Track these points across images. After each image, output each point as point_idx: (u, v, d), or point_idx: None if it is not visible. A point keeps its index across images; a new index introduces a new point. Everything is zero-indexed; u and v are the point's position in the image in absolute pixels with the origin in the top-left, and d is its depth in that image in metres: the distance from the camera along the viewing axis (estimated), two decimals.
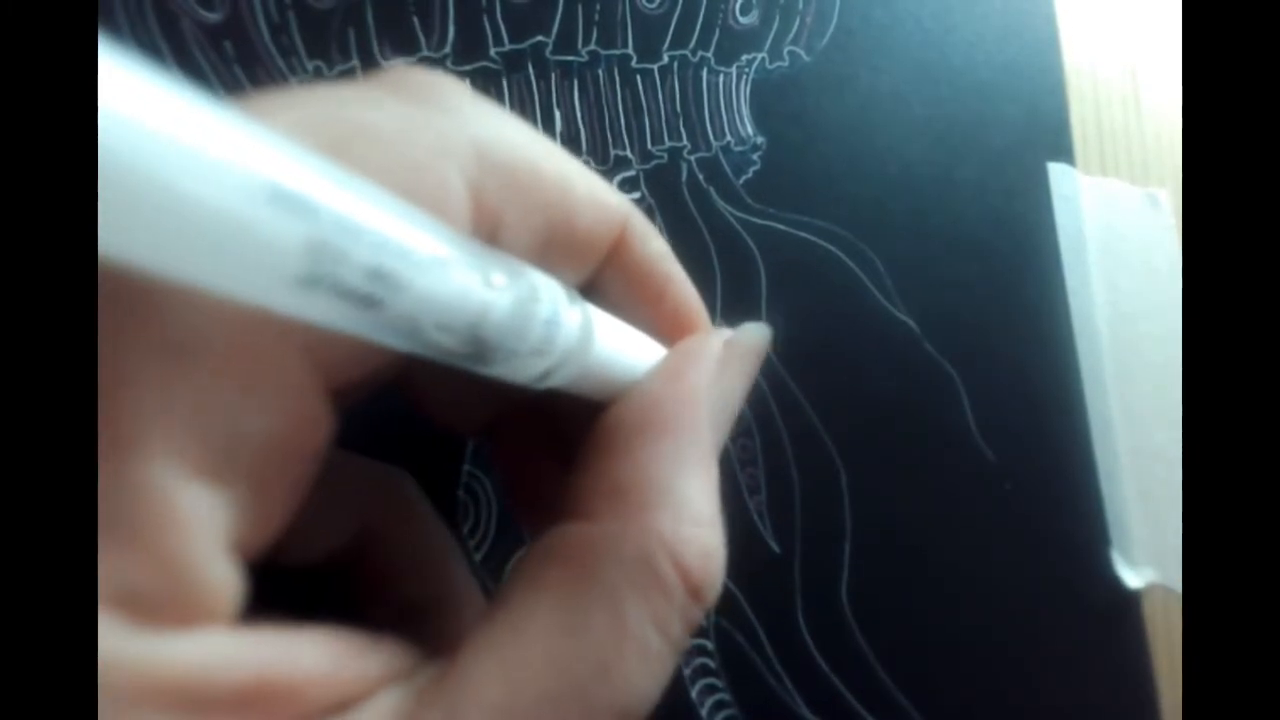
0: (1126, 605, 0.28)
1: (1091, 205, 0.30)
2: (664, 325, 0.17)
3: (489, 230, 0.13)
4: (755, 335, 0.17)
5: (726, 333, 0.17)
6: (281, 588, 0.15)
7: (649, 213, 0.26)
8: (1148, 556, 0.29)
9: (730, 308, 0.26)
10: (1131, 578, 0.29)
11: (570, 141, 0.26)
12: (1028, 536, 0.28)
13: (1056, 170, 0.30)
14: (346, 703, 0.11)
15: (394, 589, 0.17)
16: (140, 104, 0.07)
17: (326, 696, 0.11)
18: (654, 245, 0.16)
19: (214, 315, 0.10)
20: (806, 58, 0.28)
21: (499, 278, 0.11)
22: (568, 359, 0.13)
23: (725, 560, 0.14)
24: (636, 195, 0.26)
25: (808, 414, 0.26)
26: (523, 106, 0.25)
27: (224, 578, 0.11)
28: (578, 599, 0.12)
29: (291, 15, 0.24)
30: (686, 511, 0.13)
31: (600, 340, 0.14)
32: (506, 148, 0.13)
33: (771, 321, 0.27)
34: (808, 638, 0.26)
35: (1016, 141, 0.30)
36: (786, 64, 0.28)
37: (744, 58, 0.27)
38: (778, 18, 0.28)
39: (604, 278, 0.16)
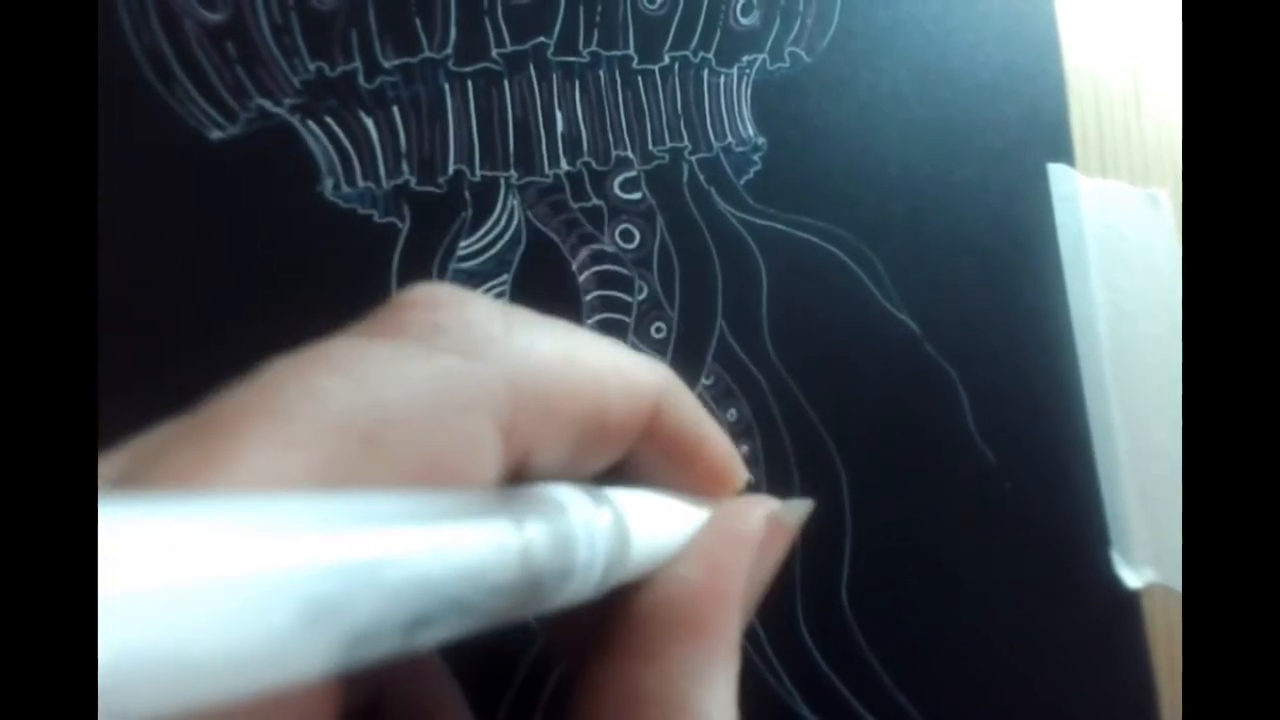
0: (1126, 605, 0.28)
1: (1091, 205, 0.30)
2: (699, 483, 0.16)
3: (521, 457, 0.13)
4: (798, 511, 0.17)
5: (769, 505, 0.17)
6: None
7: (649, 214, 0.26)
8: (1148, 556, 0.29)
9: (731, 309, 0.26)
10: (1131, 578, 0.29)
11: (572, 142, 0.26)
12: (1028, 536, 0.28)
13: (1056, 171, 0.30)
14: None
15: None
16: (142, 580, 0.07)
17: None
18: (687, 411, 0.16)
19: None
20: (807, 59, 0.28)
21: (533, 526, 0.11)
22: (612, 564, 0.13)
23: None
24: (638, 195, 0.26)
25: (808, 414, 0.26)
26: (524, 107, 0.25)
27: None
28: None
29: (294, 16, 0.24)
30: None
31: (637, 530, 0.14)
32: (538, 377, 0.13)
33: (772, 321, 0.27)
34: (808, 638, 0.26)
35: (1016, 142, 0.30)
36: (787, 65, 0.28)
37: (745, 59, 0.27)
38: (779, 19, 0.28)
39: (637, 450, 0.16)
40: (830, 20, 0.28)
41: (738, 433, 0.26)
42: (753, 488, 0.26)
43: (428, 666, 0.17)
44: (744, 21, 0.27)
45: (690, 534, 0.16)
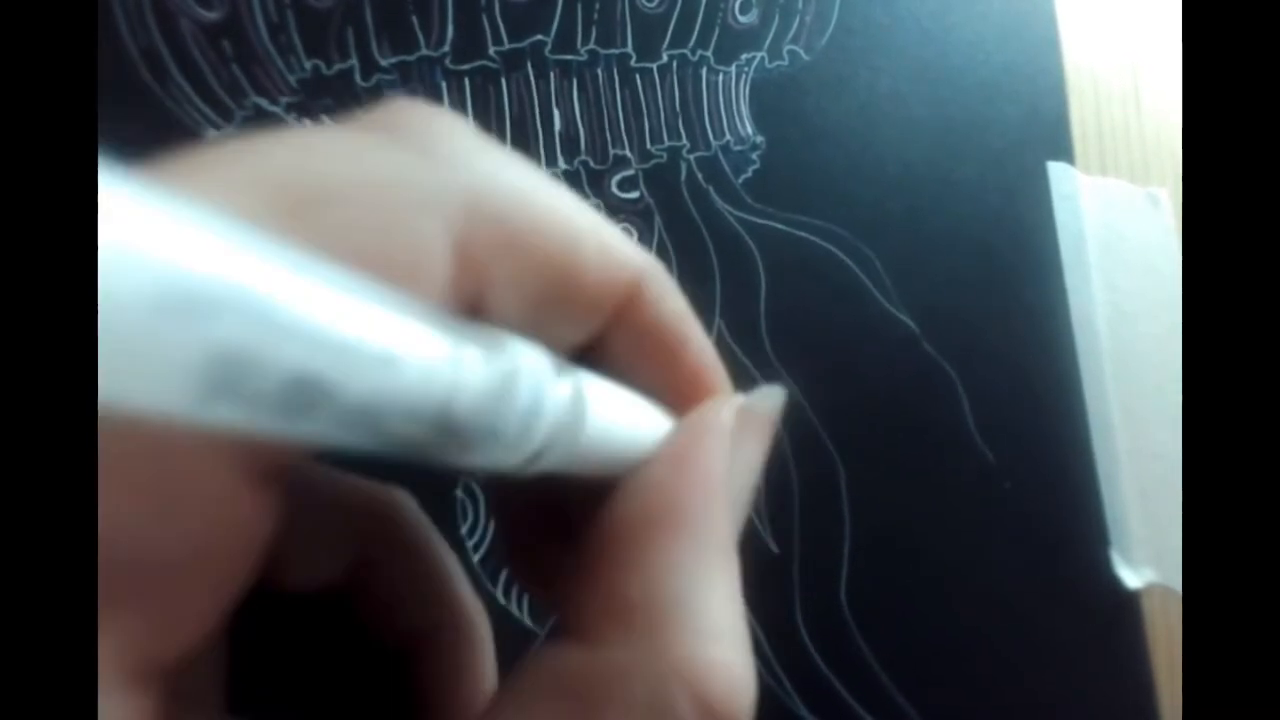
0: (1126, 605, 0.28)
1: (1091, 205, 0.30)
2: (677, 392, 0.15)
3: (474, 287, 0.12)
4: (771, 399, 0.16)
5: (739, 399, 0.15)
6: (282, 615, 0.14)
7: (647, 213, 0.26)
8: (1148, 556, 0.29)
9: (729, 308, 0.26)
10: (1131, 578, 0.29)
11: (569, 141, 0.26)
12: (1028, 536, 0.28)
13: (1056, 170, 0.30)
14: None
15: (397, 615, 0.16)
16: None
17: None
18: (670, 304, 0.15)
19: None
20: (806, 57, 0.28)
21: (471, 353, 0.10)
22: (555, 440, 0.11)
23: (755, 689, 0.12)
24: (635, 194, 0.26)
25: (808, 414, 0.26)
26: (522, 106, 0.25)
27: (123, 712, 0.09)
28: None
29: (290, 14, 0.24)
30: (707, 631, 0.11)
31: (596, 415, 0.12)
32: (504, 198, 0.12)
33: (770, 320, 0.27)
34: (807, 638, 0.25)
35: (1016, 141, 0.30)
36: (786, 63, 0.28)
37: (743, 57, 0.27)
38: (777, 17, 0.28)
39: (612, 336, 0.14)
40: (829, 18, 0.28)
41: None
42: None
43: (420, 535, 0.16)
44: (742, 20, 0.27)
45: (656, 437, 0.14)
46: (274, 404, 0.08)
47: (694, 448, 0.14)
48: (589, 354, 0.14)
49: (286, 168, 0.10)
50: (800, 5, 0.28)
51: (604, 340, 0.14)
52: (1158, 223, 0.31)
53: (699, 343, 0.15)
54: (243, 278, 0.08)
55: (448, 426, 0.10)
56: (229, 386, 0.08)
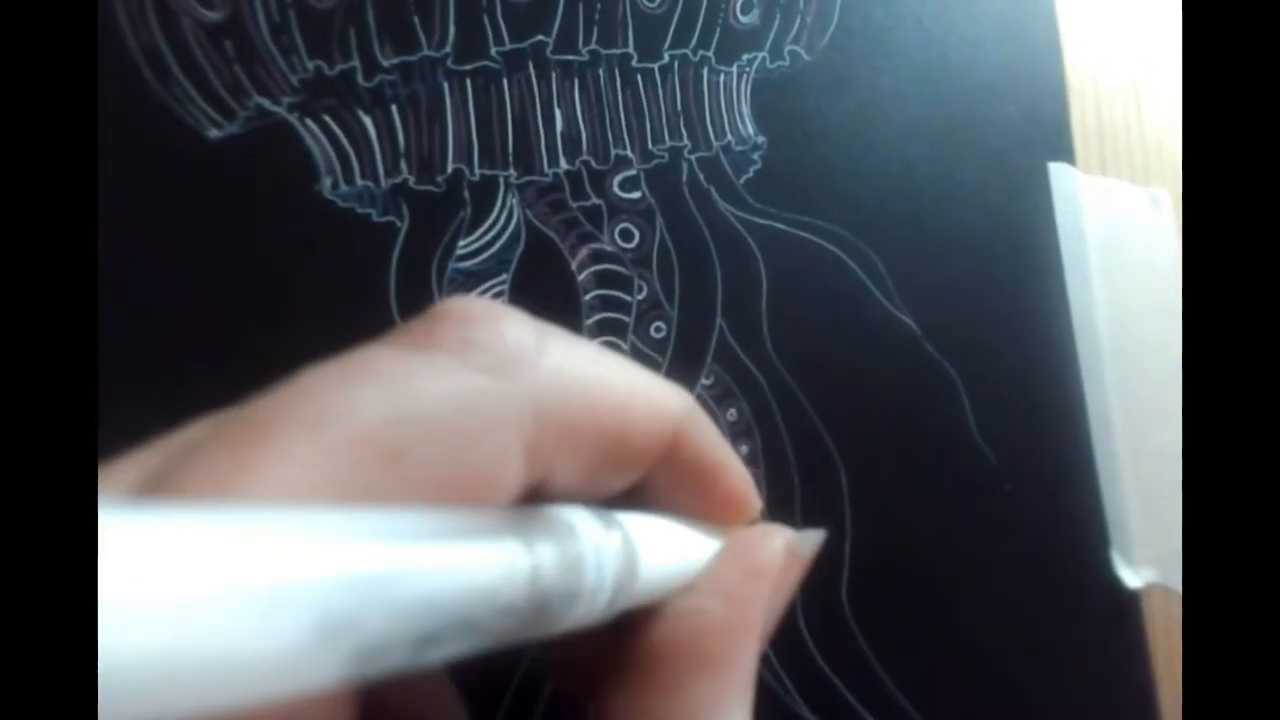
0: (1126, 605, 0.28)
1: (1092, 205, 0.30)
2: (714, 511, 0.16)
3: (542, 477, 0.13)
4: (812, 543, 0.17)
5: (784, 534, 0.17)
6: None
7: (649, 213, 0.26)
8: (1148, 557, 0.29)
9: (731, 308, 0.26)
10: (1131, 578, 0.29)
11: (571, 141, 0.26)
12: (1028, 537, 0.28)
13: (1057, 170, 0.30)
14: None
15: None
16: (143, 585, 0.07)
17: None
18: (706, 439, 0.16)
19: None
20: (807, 57, 0.28)
21: (542, 548, 0.11)
22: (620, 588, 0.13)
23: None
24: (637, 194, 0.26)
25: (808, 414, 0.26)
26: (523, 106, 0.25)
27: None
28: None
29: (292, 14, 0.24)
30: None
31: (646, 554, 0.14)
32: (565, 398, 0.13)
33: (771, 320, 0.27)
34: (808, 638, 0.25)
35: (1016, 141, 0.30)
36: (787, 63, 0.28)
37: (745, 57, 0.27)
38: (778, 17, 0.28)
39: (656, 476, 0.16)
40: (830, 18, 0.28)
41: (738, 433, 0.26)
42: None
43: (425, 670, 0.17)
44: (744, 20, 0.27)
45: (701, 562, 0.16)
46: (405, 656, 0.09)
47: (742, 587, 0.15)
48: (634, 492, 0.15)
49: (376, 423, 0.11)
50: (801, 6, 0.28)
51: (649, 479, 0.16)
52: (1158, 223, 0.31)
53: (733, 466, 0.17)
54: (371, 575, 0.09)
55: (539, 612, 0.11)
56: (368, 665, 0.09)
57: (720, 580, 0.15)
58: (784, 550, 0.16)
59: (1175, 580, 0.29)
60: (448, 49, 0.25)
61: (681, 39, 0.27)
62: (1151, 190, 0.31)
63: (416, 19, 0.24)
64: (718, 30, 0.27)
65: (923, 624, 0.27)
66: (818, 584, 0.26)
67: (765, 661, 0.25)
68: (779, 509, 0.26)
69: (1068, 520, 0.28)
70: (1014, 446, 0.28)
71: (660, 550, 0.14)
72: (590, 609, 0.12)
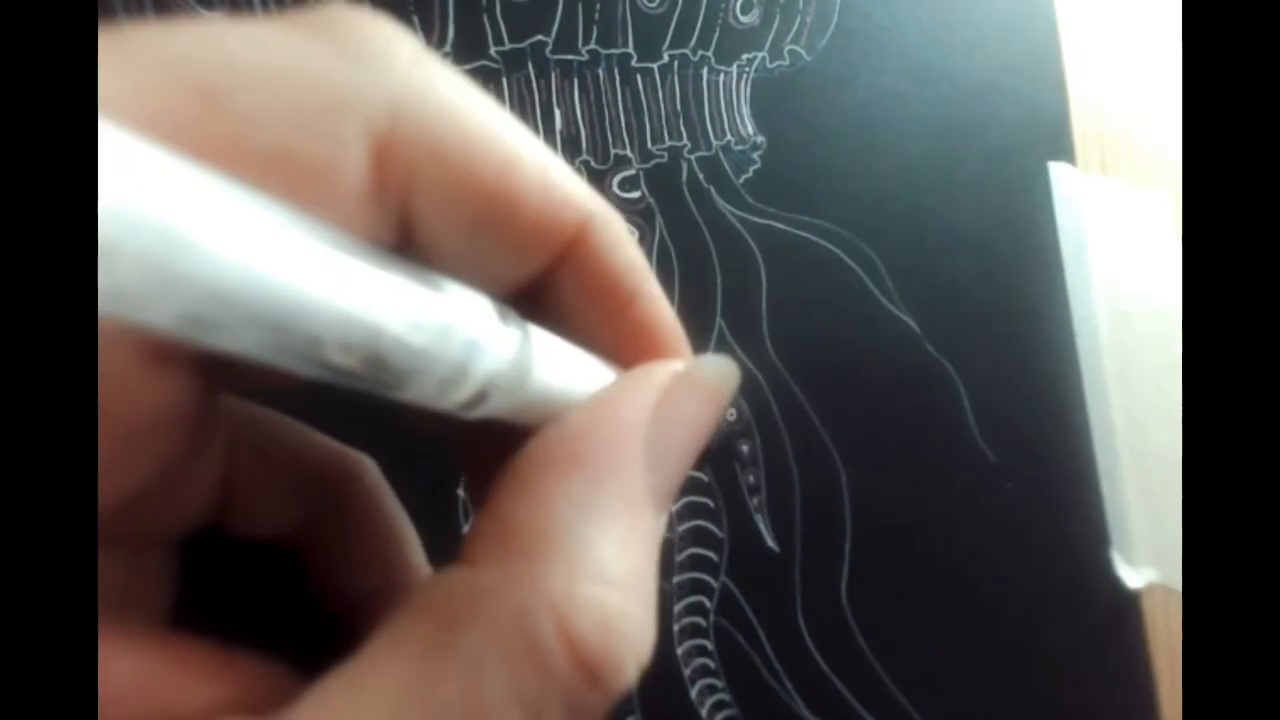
0: (1126, 605, 0.28)
1: (1092, 205, 0.30)
2: (627, 348, 0.14)
3: (396, 201, 0.11)
4: (716, 369, 0.14)
5: (680, 363, 0.14)
6: (233, 560, 0.14)
7: (648, 213, 0.26)
8: (1148, 556, 0.29)
9: (730, 308, 0.26)
10: (1131, 578, 0.29)
11: (570, 141, 0.26)
12: (1028, 536, 0.28)
13: (1057, 170, 0.30)
14: None
15: (341, 577, 0.15)
16: None
17: (127, 715, 0.10)
18: (623, 254, 0.14)
19: None
20: (807, 57, 0.28)
21: (409, 289, 0.10)
22: (496, 388, 0.11)
23: (648, 637, 0.11)
24: (636, 194, 0.26)
25: (808, 414, 0.26)
26: (523, 105, 0.25)
27: None
28: (433, 662, 0.10)
29: None
30: (588, 566, 0.11)
31: (540, 367, 0.12)
32: (434, 108, 0.11)
33: (771, 320, 0.27)
34: (808, 638, 0.25)
35: (1016, 141, 0.30)
36: (787, 63, 0.28)
37: (744, 57, 0.27)
38: (778, 17, 0.28)
39: (558, 281, 0.14)
40: (830, 18, 0.28)
41: (738, 432, 0.26)
42: (752, 489, 0.26)
43: (375, 500, 0.16)
44: (743, 19, 0.27)
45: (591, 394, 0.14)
46: (179, 319, 0.08)
47: (615, 398, 0.13)
48: (536, 299, 0.14)
49: (196, 52, 0.10)
50: (801, 5, 0.28)
51: (550, 285, 0.14)
52: (1158, 224, 0.31)
53: (651, 298, 0.14)
54: (157, 203, 0.08)
55: (377, 361, 0.10)
56: (139, 310, 0.08)
57: (598, 398, 0.13)
58: (673, 370, 0.14)
59: (1176, 580, 0.29)
60: (447, 48, 0.25)
61: (681, 39, 0.27)
62: (1151, 191, 0.31)
63: (416, 18, 0.24)
64: (717, 30, 0.27)
65: (923, 624, 0.27)
66: (818, 584, 0.26)
67: (765, 661, 0.25)
68: (779, 509, 0.26)
69: (1068, 520, 0.28)
70: (1014, 446, 0.28)
71: (557, 365, 0.13)
72: (448, 391, 0.11)
